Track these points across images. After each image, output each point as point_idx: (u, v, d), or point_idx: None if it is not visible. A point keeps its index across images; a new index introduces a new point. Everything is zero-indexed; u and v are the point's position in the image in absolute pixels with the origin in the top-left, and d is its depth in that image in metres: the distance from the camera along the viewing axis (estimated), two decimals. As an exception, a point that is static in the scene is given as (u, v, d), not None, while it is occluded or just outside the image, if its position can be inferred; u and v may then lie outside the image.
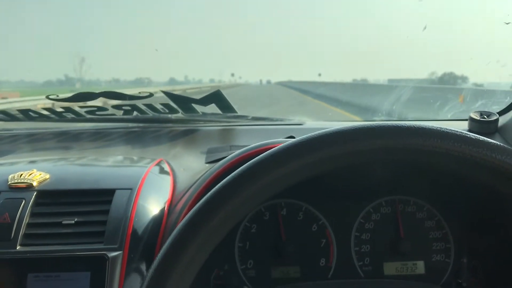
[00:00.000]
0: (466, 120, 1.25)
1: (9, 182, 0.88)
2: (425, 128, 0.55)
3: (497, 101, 1.44)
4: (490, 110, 1.24)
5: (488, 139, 0.56)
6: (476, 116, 1.21)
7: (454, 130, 0.56)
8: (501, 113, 1.24)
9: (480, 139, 0.56)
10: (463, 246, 1.02)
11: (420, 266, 1.00)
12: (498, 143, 0.56)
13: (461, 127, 1.22)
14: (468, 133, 0.56)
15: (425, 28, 1.64)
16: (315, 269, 0.99)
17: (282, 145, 0.57)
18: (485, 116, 1.21)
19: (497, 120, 1.19)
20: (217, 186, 0.57)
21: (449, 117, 1.64)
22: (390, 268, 1.00)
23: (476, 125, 1.20)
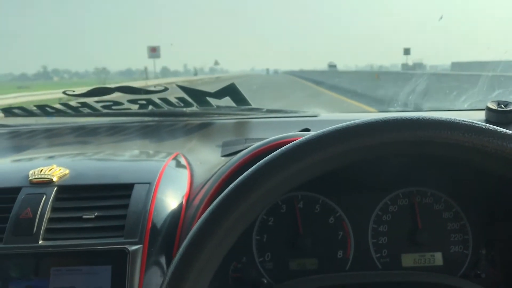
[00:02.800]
0: (483, 110, 1.24)
1: (30, 178, 0.90)
2: (434, 120, 0.55)
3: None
4: (508, 100, 1.22)
5: (498, 128, 0.55)
6: (493, 106, 1.20)
7: (464, 120, 0.56)
8: (519, 102, 1.23)
9: (490, 128, 0.55)
10: (481, 237, 1.01)
11: (438, 258, 1.00)
12: (508, 131, 0.55)
13: (478, 117, 1.21)
14: (479, 122, 0.56)
15: (441, 17, 1.62)
16: (333, 261, 0.99)
17: (300, 139, 0.57)
18: (502, 106, 1.20)
19: None
20: (234, 183, 0.57)
21: (465, 107, 1.62)
22: (408, 259, 1.00)
23: (493, 115, 1.19)
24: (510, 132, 0.55)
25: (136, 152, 1.20)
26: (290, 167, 0.56)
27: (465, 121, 0.56)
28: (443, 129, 0.55)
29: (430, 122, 0.55)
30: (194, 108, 1.45)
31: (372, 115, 1.54)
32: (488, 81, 1.64)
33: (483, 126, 0.55)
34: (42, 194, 0.86)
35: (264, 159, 0.57)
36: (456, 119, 0.56)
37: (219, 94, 1.44)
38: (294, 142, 0.57)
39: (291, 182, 0.57)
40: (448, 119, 0.55)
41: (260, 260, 0.98)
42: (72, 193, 0.89)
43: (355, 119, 0.58)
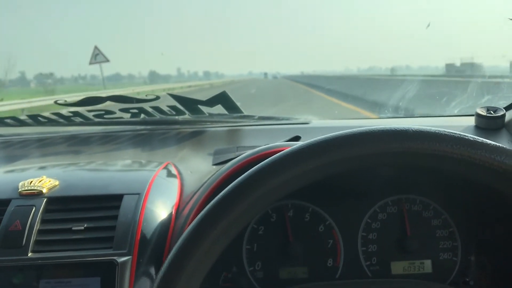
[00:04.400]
0: (473, 115, 1.24)
1: (20, 190, 0.90)
2: (423, 131, 0.56)
3: (503, 96, 1.43)
4: (497, 106, 1.23)
5: (487, 141, 0.56)
6: (483, 112, 1.21)
7: (452, 133, 0.56)
8: (508, 108, 1.24)
9: (479, 140, 0.56)
10: (470, 244, 1.02)
11: (427, 265, 1.01)
12: (497, 144, 0.56)
13: (468, 122, 1.22)
14: (467, 135, 0.56)
15: (428, 25, 1.63)
16: (323, 270, 0.99)
17: (284, 151, 0.58)
18: (491, 112, 1.20)
19: (503, 115, 1.19)
20: (222, 192, 0.57)
21: (455, 112, 1.63)
22: (398, 267, 1.00)
23: (483, 121, 1.20)
24: (498, 145, 0.56)
25: (128, 161, 1.20)
26: (278, 176, 0.56)
27: (454, 133, 0.56)
28: (432, 140, 0.55)
29: (418, 134, 0.56)
30: (186, 116, 1.45)
31: (362, 122, 1.54)
32: (478, 87, 1.65)
33: (471, 139, 0.56)
34: (31, 206, 0.87)
35: (252, 169, 0.58)
36: (445, 131, 0.56)
37: (211, 102, 1.44)
38: (282, 152, 0.58)
39: (279, 191, 0.57)
40: (437, 131, 0.56)
41: (251, 270, 0.98)
42: (61, 204, 0.89)
43: (346, 126, 0.59)
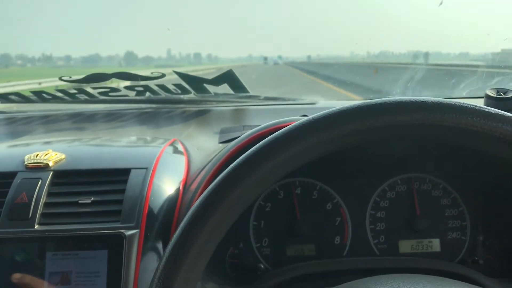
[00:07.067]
0: (482, 97, 1.23)
1: (26, 162, 0.89)
2: (443, 103, 0.55)
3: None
4: (507, 87, 1.22)
5: (508, 113, 0.55)
6: (493, 94, 1.19)
7: (472, 105, 0.55)
8: (519, 89, 1.22)
9: (499, 113, 0.54)
10: (479, 223, 1.01)
11: (435, 244, 1.00)
12: None
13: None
14: (487, 107, 0.55)
15: (441, 3, 1.60)
16: (330, 247, 0.99)
17: (297, 122, 0.57)
18: (501, 93, 1.19)
19: None
20: (229, 167, 0.56)
21: (464, 95, 1.61)
22: (406, 246, 1.00)
23: (492, 103, 1.18)
24: None
25: (133, 138, 1.19)
26: (287, 150, 0.55)
27: (474, 105, 0.55)
28: (451, 112, 0.54)
29: (438, 105, 0.54)
30: (192, 95, 1.45)
31: (377, 100, 1.53)
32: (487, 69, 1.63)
33: (493, 111, 0.54)
34: (38, 179, 0.86)
35: (260, 142, 0.57)
36: (464, 103, 0.55)
37: (217, 81, 1.43)
38: (292, 125, 0.56)
39: (289, 165, 0.56)
40: (456, 103, 0.55)
41: (257, 246, 0.98)
42: (68, 178, 0.88)
43: None
